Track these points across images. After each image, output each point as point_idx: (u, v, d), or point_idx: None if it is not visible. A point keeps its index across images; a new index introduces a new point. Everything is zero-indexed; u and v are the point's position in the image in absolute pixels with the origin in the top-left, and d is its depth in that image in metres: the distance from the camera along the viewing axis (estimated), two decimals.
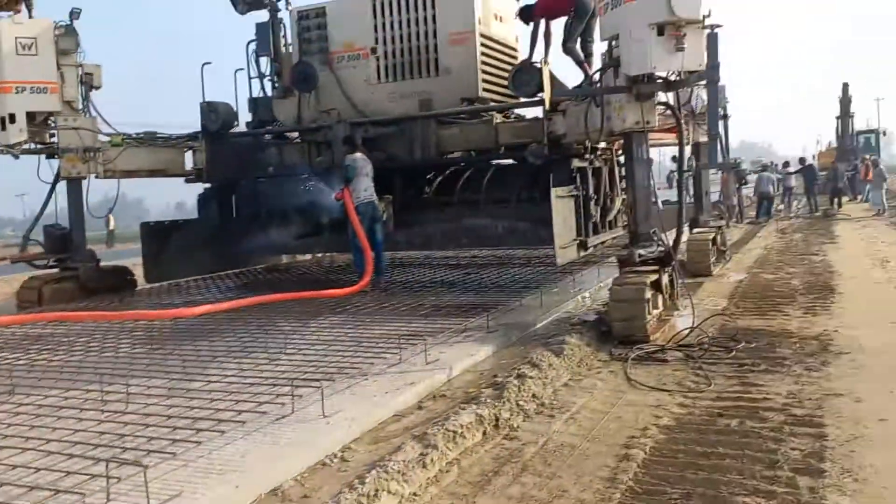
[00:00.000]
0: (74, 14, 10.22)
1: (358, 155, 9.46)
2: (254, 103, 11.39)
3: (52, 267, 10.54)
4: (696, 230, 10.91)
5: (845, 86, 34.55)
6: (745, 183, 22.51)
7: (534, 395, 4.87)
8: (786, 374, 5.23)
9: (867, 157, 29.53)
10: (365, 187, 9.41)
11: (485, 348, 6.09)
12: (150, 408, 4.71)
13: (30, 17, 10.16)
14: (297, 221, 10.45)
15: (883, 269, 10.17)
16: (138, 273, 11.44)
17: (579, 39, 9.51)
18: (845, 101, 34.16)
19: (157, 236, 11.19)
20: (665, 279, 7.21)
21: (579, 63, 9.51)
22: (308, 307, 8.40)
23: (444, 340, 6.30)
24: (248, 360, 5.90)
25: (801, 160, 26.77)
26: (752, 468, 3.62)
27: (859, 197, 27.46)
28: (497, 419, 4.40)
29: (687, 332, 6.41)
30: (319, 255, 13.89)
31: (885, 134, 44.88)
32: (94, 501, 3.27)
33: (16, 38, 9.76)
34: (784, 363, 5.49)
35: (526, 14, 9.77)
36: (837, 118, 34.36)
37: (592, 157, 9.43)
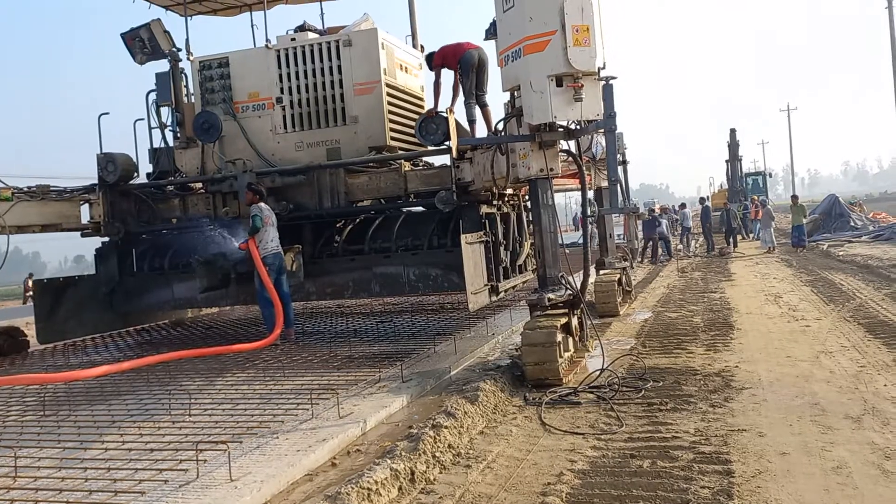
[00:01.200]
0: None
1: (263, 205, 9.30)
2: (154, 154, 11.06)
3: None
4: (602, 272, 11.23)
5: (732, 131, 36.67)
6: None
7: (450, 446, 4.81)
8: (692, 411, 5.37)
9: (756, 197, 31.38)
10: (271, 237, 9.23)
11: (399, 399, 6.00)
12: (39, 481, 4.37)
13: None
14: (201, 274, 10.12)
15: (776, 305, 10.71)
16: (31, 333, 10.77)
17: (474, 94, 9.74)
18: (733, 146, 36.23)
19: (52, 293, 10.61)
20: (575, 321, 7.35)
21: (469, 121, 9.73)
22: (214, 364, 8.10)
23: (358, 392, 6.18)
24: (149, 424, 5.59)
25: (702, 200, 28.11)
26: None
27: (751, 235, 29.04)
28: (413, 473, 4.30)
29: (598, 373, 6.52)
30: (226, 307, 13.49)
31: (771, 175, 47.74)
32: None
33: None
34: (690, 401, 5.64)
35: (429, 62, 9.97)
36: (727, 161, 36.37)
37: (500, 202, 9.62)
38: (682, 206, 28.05)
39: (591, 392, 6.08)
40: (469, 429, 5.21)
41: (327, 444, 4.84)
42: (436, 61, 9.75)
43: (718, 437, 4.74)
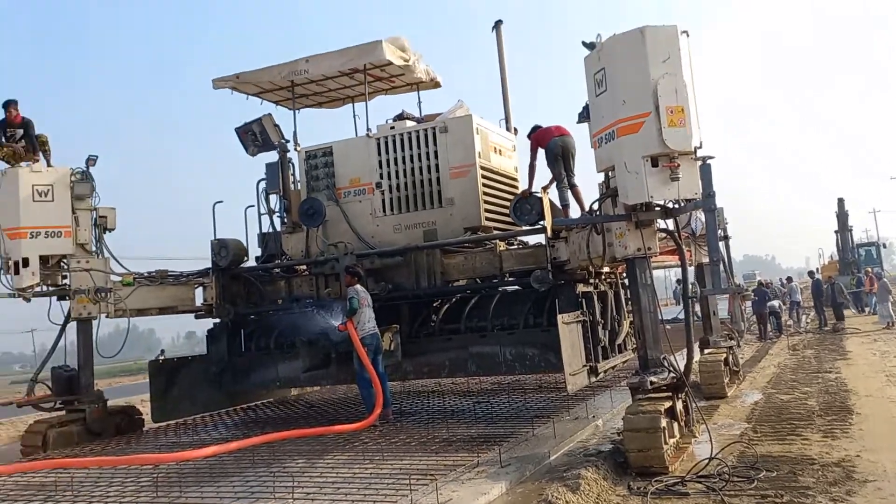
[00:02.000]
0: (91, 160, 10.68)
1: (359, 287, 9.58)
2: (263, 238, 11.65)
3: (58, 409, 10.45)
4: (706, 351, 10.83)
5: (840, 200, 35.19)
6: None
7: None
8: None
9: (869, 269, 29.68)
10: (368, 318, 9.46)
11: (498, 485, 5.91)
12: None
13: (48, 165, 10.61)
14: (305, 354, 10.44)
15: None
16: (147, 409, 11.30)
17: (563, 178, 9.85)
18: (842, 215, 34.68)
19: (166, 374, 11.15)
20: (679, 405, 7.09)
21: (563, 206, 9.79)
22: (316, 444, 8.24)
23: (457, 478, 6.14)
24: None
25: (811, 273, 26.86)
26: None
27: (867, 310, 27.34)
28: None
29: (706, 461, 6.23)
30: (327, 386, 13.76)
31: (885, 246, 45.15)
32: None
33: (33, 185, 10.14)
34: (808, 493, 5.31)
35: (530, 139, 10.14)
36: (836, 232, 34.76)
37: (597, 281, 9.52)
38: (789, 279, 26.82)
39: (700, 482, 5.82)
40: None
41: None
42: (531, 143, 9.97)
43: None
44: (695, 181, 6.74)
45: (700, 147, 6.79)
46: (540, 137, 9.88)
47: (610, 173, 7.49)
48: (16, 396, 11.42)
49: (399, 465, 6.76)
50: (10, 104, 10.51)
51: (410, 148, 10.48)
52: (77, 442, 9.93)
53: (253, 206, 11.63)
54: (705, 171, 6.51)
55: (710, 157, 6.63)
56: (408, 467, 6.61)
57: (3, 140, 10.48)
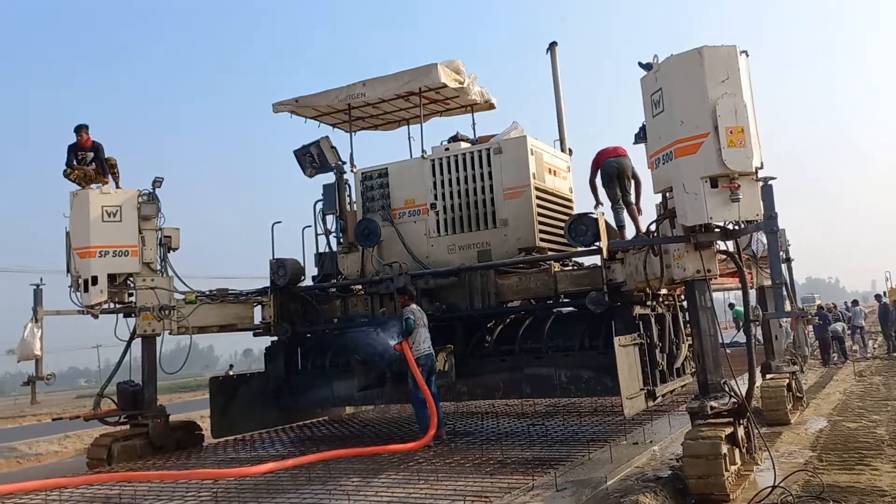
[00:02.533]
0: (157, 182, 11.06)
1: (415, 306, 9.63)
2: (320, 258, 11.85)
3: (123, 423, 10.77)
4: (769, 376, 10.54)
5: None
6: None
7: None
8: None
9: None
10: (423, 339, 9.50)
11: None
12: None
13: (117, 187, 11.03)
14: (360, 373, 10.53)
15: None
16: (206, 425, 11.55)
17: (619, 199, 9.84)
18: None
19: (225, 391, 11.38)
20: (741, 431, 6.91)
21: (618, 227, 9.76)
22: (371, 463, 8.28)
23: (511, 501, 6.09)
24: None
25: (878, 297, 25.93)
26: None
27: None
28: None
29: (769, 490, 6.05)
30: (382, 406, 13.84)
31: None
32: None
33: (102, 206, 10.56)
34: None
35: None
36: None
37: (654, 303, 9.38)
38: (854, 302, 25.91)
39: None
40: None
41: None
42: (592, 162, 10.00)
43: None
44: (756, 202, 6.62)
45: (761, 167, 6.67)
46: (598, 157, 9.89)
47: (668, 194, 7.40)
48: (82, 410, 11.80)
49: (453, 486, 6.74)
50: (81, 128, 11.00)
51: (465, 169, 10.55)
52: (140, 455, 10.22)
53: (310, 226, 11.85)
54: (767, 192, 6.39)
55: (772, 178, 6.51)
56: (462, 488, 6.59)
57: (75, 163, 10.95)
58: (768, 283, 9.67)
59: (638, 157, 8.90)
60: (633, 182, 10.04)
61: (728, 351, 7.27)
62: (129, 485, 8.08)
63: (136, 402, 10.69)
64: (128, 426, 10.71)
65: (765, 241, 9.07)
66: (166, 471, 9.08)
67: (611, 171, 9.74)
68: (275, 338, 11.66)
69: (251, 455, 9.88)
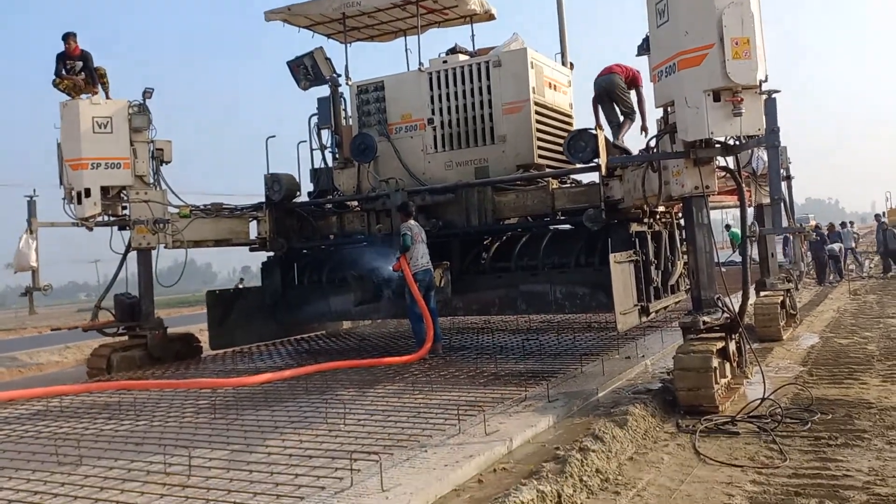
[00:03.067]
0: (147, 93, 10.82)
1: (413, 223, 9.58)
2: (315, 174, 11.72)
3: (121, 334, 10.88)
4: (763, 293, 10.60)
5: None
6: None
7: (597, 470, 4.71)
8: (866, 448, 4.95)
9: None
10: (422, 254, 9.49)
11: (545, 419, 5.96)
12: (210, 481, 4.73)
13: (107, 98, 10.79)
14: (356, 288, 10.56)
15: None
16: (204, 338, 11.69)
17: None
18: None
19: (223, 304, 11.46)
20: (732, 346, 6.97)
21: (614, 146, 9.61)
22: (367, 375, 8.42)
23: (504, 410, 6.21)
24: (307, 431, 5.91)
25: (877, 217, 25.92)
26: None
27: None
28: (560, 496, 4.26)
29: (758, 402, 6.15)
30: (379, 321, 14.00)
31: None
32: None
33: (93, 117, 10.36)
34: (864, 437, 5.20)
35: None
36: None
37: (651, 221, 9.33)
38: (843, 224, 25.91)
39: (751, 422, 5.76)
40: (618, 454, 5.09)
41: (474, 461, 4.89)
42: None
43: None
44: (758, 117, 6.45)
45: (765, 80, 6.49)
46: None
47: (669, 109, 7.23)
48: (81, 322, 11.90)
49: (448, 397, 6.86)
50: (69, 36, 10.67)
51: (463, 83, 10.31)
52: (139, 366, 10.38)
53: (305, 141, 11.67)
54: (770, 106, 6.22)
55: (776, 91, 6.32)
56: (456, 399, 6.71)
57: (64, 72, 10.66)
58: (767, 201, 9.60)
59: (642, 70, 8.66)
60: (631, 97, 9.81)
61: (723, 269, 7.25)
62: (128, 393, 8.23)
63: (133, 313, 10.78)
64: (126, 337, 10.83)
65: (765, 158, 8.94)
66: (165, 380, 9.23)
67: (598, 90, 9.57)
68: (271, 253, 11.66)
69: (249, 366, 10.04)
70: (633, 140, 10.09)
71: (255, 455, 5.30)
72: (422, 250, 9.52)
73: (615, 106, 9.85)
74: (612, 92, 9.68)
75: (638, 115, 9.91)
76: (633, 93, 9.90)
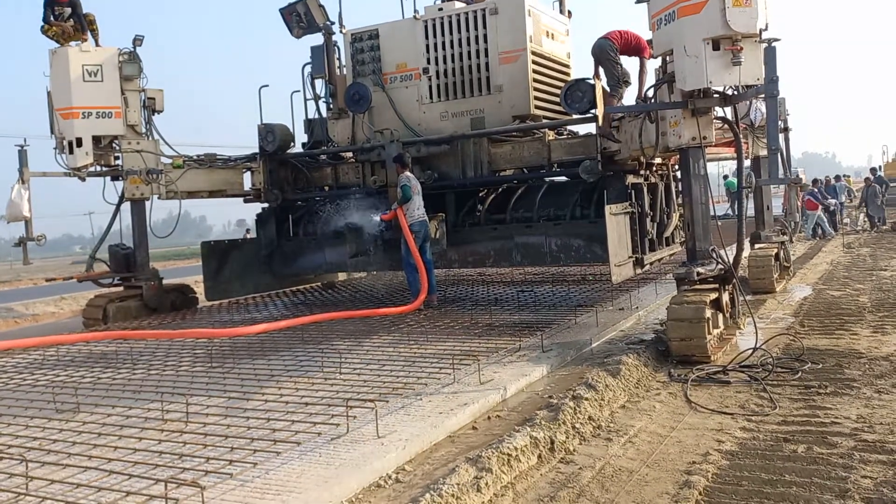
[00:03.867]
0: (137, 41, 10.63)
1: (409, 174, 9.52)
2: (309, 124, 11.59)
3: (116, 285, 10.89)
4: (757, 246, 10.63)
5: None
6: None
7: (590, 418, 4.78)
8: (855, 396, 5.02)
9: None
10: (418, 206, 9.46)
11: (539, 368, 6.02)
12: (208, 427, 4.79)
13: (96, 45, 10.59)
14: (351, 240, 10.55)
15: None
16: (200, 290, 11.72)
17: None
18: None
19: (218, 255, 11.45)
20: (725, 297, 7.02)
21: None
22: (363, 326, 8.47)
23: (498, 360, 6.26)
24: (304, 379, 5.96)
25: (873, 171, 25.86)
26: (822, 497, 3.47)
27: None
28: (552, 442, 4.32)
29: (749, 352, 6.22)
30: (374, 272, 14.03)
31: None
32: None
33: (83, 65, 10.18)
34: (853, 385, 5.27)
35: None
36: None
37: (647, 173, 9.29)
38: (837, 178, 25.87)
39: (742, 371, 5.82)
40: (610, 402, 5.16)
41: (468, 409, 4.95)
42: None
43: (884, 425, 4.40)
44: (758, 66, 6.38)
45: (765, 29, 6.39)
46: None
47: (667, 58, 7.14)
48: (76, 273, 11.90)
49: (442, 347, 6.92)
50: None
51: (459, 31, 10.12)
52: (135, 316, 10.42)
53: (299, 91, 11.51)
54: (770, 55, 6.14)
55: (776, 40, 6.24)
56: (451, 349, 6.77)
57: (52, 19, 10.44)
58: (764, 153, 9.54)
59: (642, 19, 8.46)
60: (620, 70, 9.56)
61: (719, 223, 7.24)
62: (125, 343, 8.27)
63: (128, 264, 10.77)
64: (122, 288, 10.84)
65: (763, 109, 8.86)
66: (162, 330, 9.27)
67: (593, 56, 9.35)
68: (265, 205, 11.61)
69: (245, 317, 10.08)
70: None
71: (252, 402, 5.35)
72: (417, 202, 9.48)
73: (606, 71, 9.56)
74: (598, 58, 9.38)
75: (634, 87, 9.62)
76: (632, 65, 9.58)
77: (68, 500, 3.62)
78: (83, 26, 10.55)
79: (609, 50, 8.94)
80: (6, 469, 4.13)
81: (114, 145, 10.63)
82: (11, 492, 3.75)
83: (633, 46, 9.26)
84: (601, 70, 9.06)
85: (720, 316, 6.96)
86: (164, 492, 3.51)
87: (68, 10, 10.53)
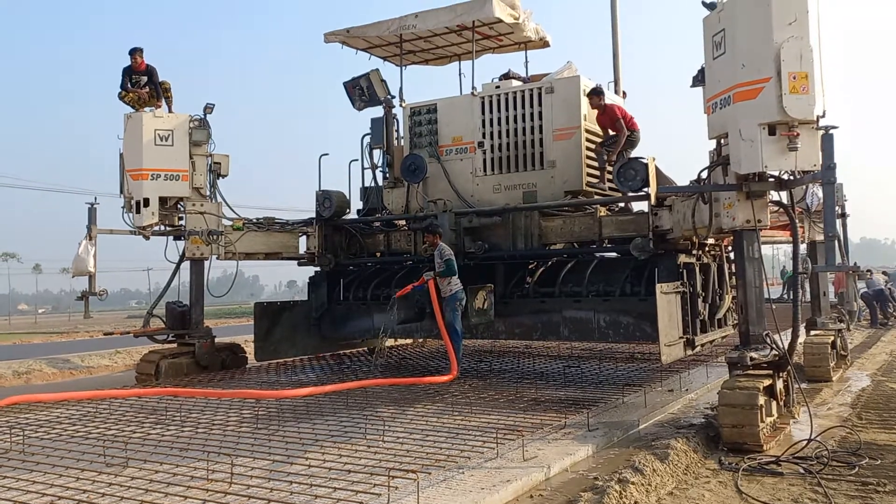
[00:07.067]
0: (208, 109, 11.16)
1: (444, 244, 9.70)
2: (365, 192, 11.92)
3: (170, 342, 11.16)
4: (813, 332, 10.36)
5: None
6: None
7: (636, 503, 4.67)
8: None
9: None
10: (456, 276, 9.61)
11: (584, 448, 5.92)
12: (251, 489, 4.82)
13: (169, 111, 11.17)
14: (400, 306, 10.64)
15: None
16: (250, 349, 11.90)
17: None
18: None
19: (270, 316, 11.65)
20: (780, 385, 6.84)
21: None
22: (407, 393, 8.47)
23: (543, 437, 6.18)
24: (347, 446, 5.97)
25: None
26: None
27: None
28: None
29: (804, 443, 6.01)
30: (420, 339, 14.06)
31: None
32: None
33: (155, 130, 10.72)
34: None
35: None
36: None
37: (700, 252, 9.23)
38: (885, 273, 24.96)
39: (796, 463, 5.62)
40: (657, 487, 5.03)
41: (511, 486, 4.89)
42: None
43: None
44: (814, 152, 6.37)
45: (823, 116, 6.41)
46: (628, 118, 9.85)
47: (722, 140, 7.19)
48: (133, 328, 12.23)
49: (486, 420, 6.86)
50: (135, 51, 11.09)
51: (515, 108, 10.39)
52: (186, 373, 10.62)
53: (357, 160, 11.89)
54: (827, 142, 6.13)
55: (834, 127, 6.23)
56: (495, 422, 6.71)
57: (129, 86, 11.07)
58: (821, 238, 9.41)
59: (696, 102, 8.50)
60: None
61: (773, 307, 7.12)
62: (175, 399, 8.42)
63: (183, 321, 11.04)
64: (175, 345, 11.09)
65: (820, 194, 8.79)
66: (211, 388, 9.42)
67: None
68: (318, 268, 11.85)
69: (292, 379, 10.18)
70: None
71: (295, 467, 5.38)
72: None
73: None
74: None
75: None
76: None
77: None
78: (158, 93, 11.15)
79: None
80: None
81: (178, 206, 11.06)
82: None
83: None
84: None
85: (774, 404, 6.77)
86: None
87: (144, 78, 11.16)
